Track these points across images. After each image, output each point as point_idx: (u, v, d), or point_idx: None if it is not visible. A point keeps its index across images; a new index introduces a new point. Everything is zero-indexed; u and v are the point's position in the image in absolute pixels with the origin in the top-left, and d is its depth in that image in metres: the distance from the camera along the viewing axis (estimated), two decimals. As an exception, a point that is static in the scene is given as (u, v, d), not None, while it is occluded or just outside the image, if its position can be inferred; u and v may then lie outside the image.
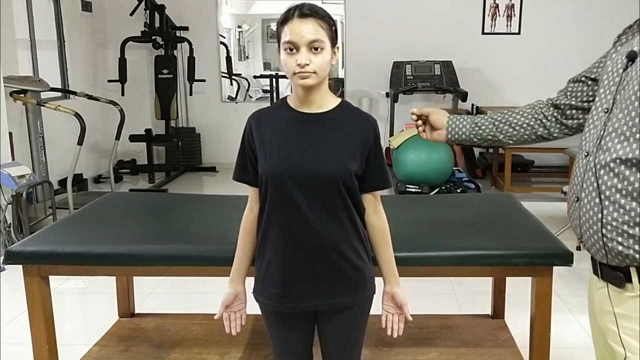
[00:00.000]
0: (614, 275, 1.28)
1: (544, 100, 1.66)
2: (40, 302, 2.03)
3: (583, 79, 1.55)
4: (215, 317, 1.72)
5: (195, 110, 7.30)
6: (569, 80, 1.61)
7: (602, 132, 1.28)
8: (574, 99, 1.57)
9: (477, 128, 1.67)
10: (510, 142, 1.67)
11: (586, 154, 1.31)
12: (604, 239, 1.26)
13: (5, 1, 4.95)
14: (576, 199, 1.34)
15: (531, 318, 2.03)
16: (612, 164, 1.24)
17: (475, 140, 1.68)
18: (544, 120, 1.62)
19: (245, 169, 1.63)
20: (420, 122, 1.73)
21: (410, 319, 1.70)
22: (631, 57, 1.26)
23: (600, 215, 1.26)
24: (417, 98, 6.76)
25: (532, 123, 1.63)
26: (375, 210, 1.65)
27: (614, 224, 1.24)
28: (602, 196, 1.25)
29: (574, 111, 1.58)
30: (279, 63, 1.56)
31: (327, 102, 1.59)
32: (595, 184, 1.27)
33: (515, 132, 1.64)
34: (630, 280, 1.25)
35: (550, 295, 1.99)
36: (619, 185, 1.22)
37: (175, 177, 6.76)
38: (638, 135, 1.21)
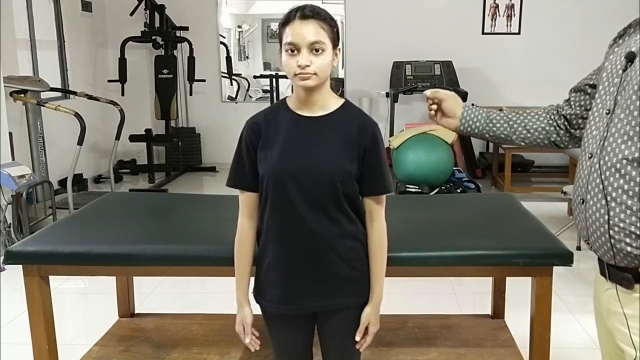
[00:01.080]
0: (623, 277, 1.28)
1: (554, 106, 1.65)
2: (40, 302, 2.03)
3: (584, 87, 1.54)
4: (246, 342, 1.68)
5: (195, 110, 7.30)
6: (570, 89, 1.60)
7: (605, 133, 1.28)
8: (578, 108, 1.57)
9: (491, 124, 1.65)
10: (522, 144, 1.65)
11: (589, 155, 1.31)
12: (612, 240, 1.25)
13: (5, 1, 4.95)
14: (581, 200, 1.33)
15: (531, 318, 2.03)
16: (618, 165, 1.23)
17: (487, 135, 1.67)
18: (557, 128, 1.61)
19: (243, 174, 1.60)
20: (434, 105, 1.69)
21: (367, 341, 1.65)
22: (630, 58, 1.27)
23: (607, 217, 1.25)
24: (417, 98, 6.75)
25: (547, 128, 1.62)
26: (372, 218, 1.62)
27: (621, 225, 1.23)
28: (609, 197, 1.25)
29: (579, 121, 1.57)
30: (280, 64, 1.55)
31: (329, 103, 1.58)
32: (600, 186, 1.26)
33: (529, 135, 1.63)
34: (639, 281, 1.26)
35: (550, 295, 1.99)
36: (626, 186, 1.22)
37: (175, 177, 6.76)
38: None
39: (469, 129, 1.66)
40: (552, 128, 1.62)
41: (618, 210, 1.23)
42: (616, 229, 1.24)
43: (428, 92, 1.69)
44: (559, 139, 1.62)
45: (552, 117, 1.63)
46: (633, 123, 1.22)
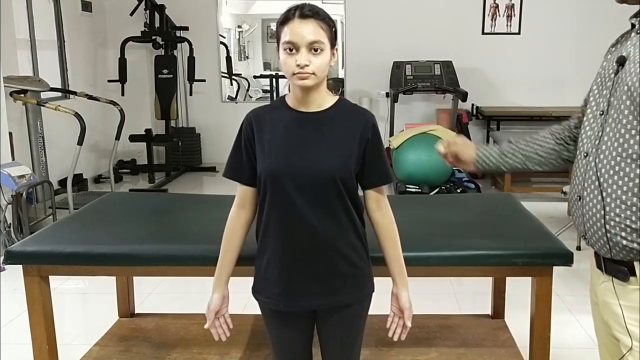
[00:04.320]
0: (618, 270, 1.33)
1: (561, 124, 1.69)
2: (40, 302, 2.03)
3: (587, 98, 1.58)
4: (206, 326, 1.70)
5: (195, 110, 7.30)
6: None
7: (600, 133, 1.34)
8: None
9: (505, 157, 1.70)
10: (539, 169, 1.69)
11: (585, 154, 1.37)
12: (608, 234, 1.31)
13: (5, 1, 4.95)
14: (578, 197, 1.39)
15: (531, 318, 2.03)
16: (612, 162, 1.29)
17: (503, 168, 1.72)
18: (565, 145, 1.64)
19: (240, 167, 1.62)
20: (449, 156, 1.78)
21: (409, 325, 1.68)
22: (621, 62, 1.33)
23: (603, 212, 1.31)
24: (417, 98, 6.76)
25: (556, 148, 1.65)
26: (379, 207, 1.64)
27: (617, 219, 1.29)
28: (604, 193, 1.30)
29: None
30: (277, 63, 1.56)
31: (325, 101, 1.59)
32: (596, 182, 1.32)
33: (542, 160, 1.67)
34: (634, 274, 1.30)
35: (550, 295, 1.99)
36: (620, 182, 1.28)
37: (175, 177, 6.76)
38: (634, 131, 1.27)
39: (485, 166, 1.72)
40: (562, 146, 1.65)
41: (613, 205, 1.29)
42: (612, 223, 1.30)
43: (441, 148, 1.77)
44: (570, 155, 1.63)
45: (559, 135, 1.66)
46: (624, 121, 1.28)
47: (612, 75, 1.35)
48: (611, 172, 1.29)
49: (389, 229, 1.65)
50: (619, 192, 1.28)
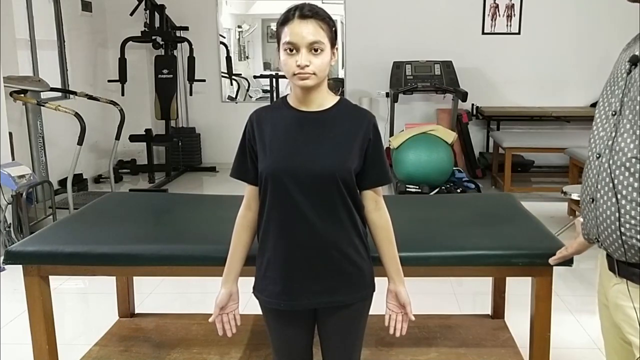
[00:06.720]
0: (633, 272, 1.32)
1: None
2: (40, 302, 2.03)
3: None
4: (210, 319, 1.71)
5: (195, 110, 7.30)
6: None
7: (614, 133, 1.31)
8: None
9: None
10: None
11: (598, 155, 1.35)
12: (623, 237, 1.29)
13: (5, 1, 4.95)
14: (591, 200, 1.37)
15: (531, 318, 2.03)
16: (627, 164, 1.27)
17: None
18: None
19: (244, 167, 1.63)
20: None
21: (413, 319, 1.69)
22: (634, 61, 1.31)
23: (617, 215, 1.29)
24: (417, 98, 6.76)
25: None
26: (377, 207, 1.64)
27: (632, 222, 1.27)
28: (619, 195, 1.28)
29: None
30: (278, 63, 1.56)
31: (326, 101, 1.59)
32: (610, 184, 1.30)
33: None
34: None
35: (550, 295, 1.99)
36: (636, 184, 1.26)
37: (175, 177, 6.76)
38: None
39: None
40: None
41: (629, 207, 1.27)
42: (627, 226, 1.28)
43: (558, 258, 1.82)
44: None
45: None
46: None
47: (625, 75, 1.32)
48: (626, 173, 1.27)
49: (387, 229, 1.66)
50: (634, 194, 1.26)
